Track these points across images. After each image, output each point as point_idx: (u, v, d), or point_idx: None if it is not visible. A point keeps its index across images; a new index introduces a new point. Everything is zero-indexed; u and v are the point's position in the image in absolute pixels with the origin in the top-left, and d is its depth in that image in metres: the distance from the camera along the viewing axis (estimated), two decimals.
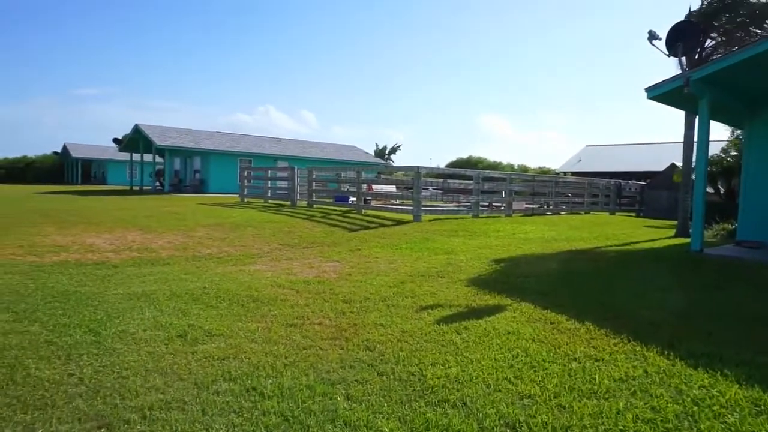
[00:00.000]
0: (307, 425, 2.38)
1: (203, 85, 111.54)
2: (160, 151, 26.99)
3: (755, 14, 11.59)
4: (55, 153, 47.53)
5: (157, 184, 29.32)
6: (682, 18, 11.89)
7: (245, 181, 19.75)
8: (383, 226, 10.66)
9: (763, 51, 6.61)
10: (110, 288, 5.04)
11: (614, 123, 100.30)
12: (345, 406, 2.57)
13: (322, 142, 38.60)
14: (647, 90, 8.01)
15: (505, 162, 48.72)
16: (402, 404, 2.60)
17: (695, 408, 2.56)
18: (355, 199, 14.61)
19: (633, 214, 19.83)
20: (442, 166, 46.38)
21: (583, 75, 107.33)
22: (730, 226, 11.28)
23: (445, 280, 5.63)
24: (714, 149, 13.22)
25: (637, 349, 3.40)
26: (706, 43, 12.00)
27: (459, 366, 3.10)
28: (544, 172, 40.16)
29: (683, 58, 10.40)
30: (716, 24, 11.92)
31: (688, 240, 8.42)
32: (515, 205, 15.16)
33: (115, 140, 32.34)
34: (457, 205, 14.46)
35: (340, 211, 13.57)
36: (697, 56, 11.43)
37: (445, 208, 13.89)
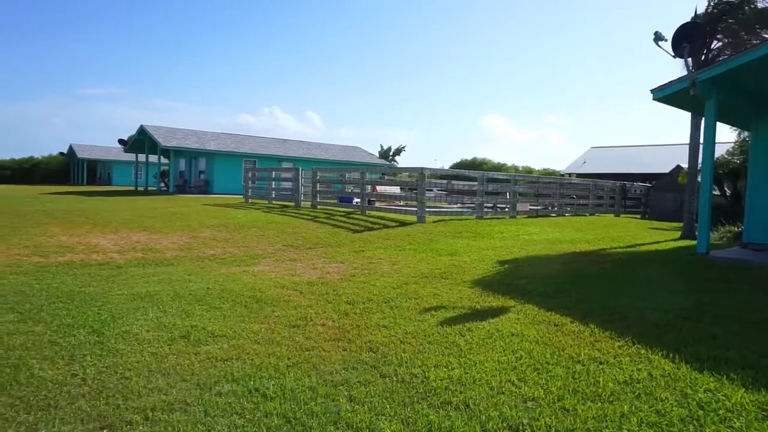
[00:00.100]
0: (309, 427, 2.37)
1: (209, 85, 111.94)
2: (166, 152, 27.12)
3: (762, 16, 11.52)
4: (61, 154, 47.84)
5: (162, 184, 29.45)
6: (688, 20, 11.84)
7: (249, 182, 19.78)
8: (387, 227, 10.65)
9: None
10: (114, 288, 5.06)
11: (619, 125, 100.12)
12: (347, 407, 2.56)
13: (327, 143, 38.72)
14: (653, 91, 7.97)
15: (509, 163, 48.73)
16: (405, 406, 2.59)
17: (701, 412, 2.53)
18: (359, 200, 14.60)
19: (638, 216, 19.71)
20: (447, 167, 46.29)
21: (587, 76, 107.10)
22: (736, 229, 11.19)
23: (448, 282, 5.61)
24: (720, 151, 13.11)
25: (642, 351, 3.37)
26: (713, 45, 11.94)
27: (462, 368, 3.08)
28: (548, 173, 40.02)
29: (689, 60, 10.34)
30: (722, 26, 11.87)
31: (693, 242, 8.35)
32: (519, 207, 15.11)
33: (121, 141, 32.51)
34: (461, 206, 14.39)
35: (344, 212, 13.57)
36: (703, 58, 11.37)
37: (449, 210, 13.85)
